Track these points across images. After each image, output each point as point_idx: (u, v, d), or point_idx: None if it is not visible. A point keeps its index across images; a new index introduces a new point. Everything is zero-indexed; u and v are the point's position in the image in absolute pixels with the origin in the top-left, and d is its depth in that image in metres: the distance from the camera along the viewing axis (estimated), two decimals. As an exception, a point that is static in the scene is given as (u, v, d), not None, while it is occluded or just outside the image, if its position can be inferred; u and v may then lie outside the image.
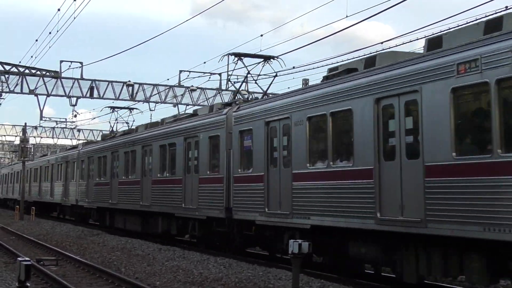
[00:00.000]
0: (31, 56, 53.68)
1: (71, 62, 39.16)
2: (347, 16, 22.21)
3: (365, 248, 14.26)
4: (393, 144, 13.10)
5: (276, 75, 22.79)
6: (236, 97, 26.58)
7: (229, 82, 39.42)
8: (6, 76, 38.35)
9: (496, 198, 10.56)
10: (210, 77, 40.56)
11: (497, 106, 10.64)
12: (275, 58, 22.31)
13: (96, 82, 40.45)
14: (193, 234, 23.22)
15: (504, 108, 10.65)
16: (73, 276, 16.54)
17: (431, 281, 14.51)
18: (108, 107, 39.92)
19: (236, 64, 22.34)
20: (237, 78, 40.93)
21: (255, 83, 23.29)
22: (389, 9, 18.73)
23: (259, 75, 23.44)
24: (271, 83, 22.44)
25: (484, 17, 16.33)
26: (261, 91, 23.74)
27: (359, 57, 19.25)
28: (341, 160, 14.94)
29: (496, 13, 16.69)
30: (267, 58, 22.31)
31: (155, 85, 41.69)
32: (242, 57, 22.42)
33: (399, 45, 15.67)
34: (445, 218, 11.50)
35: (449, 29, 16.39)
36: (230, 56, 22.40)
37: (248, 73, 22.63)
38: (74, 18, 32.60)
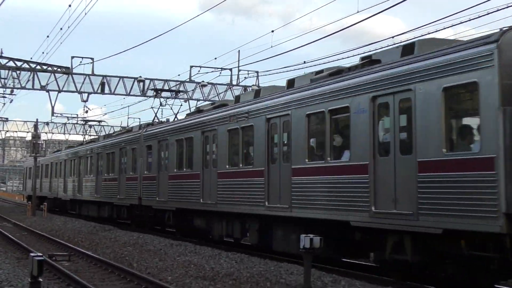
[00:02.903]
0: (43, 52, 53.80)
1: (82, 58, 39.34)
2: (358, 12, 22.15)
3: (199, 221, 23.02)
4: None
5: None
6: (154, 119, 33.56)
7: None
8: (18, 72, 38.52)
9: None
10: (221, 73, 40.63)
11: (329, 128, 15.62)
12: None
13: (107, 77, 40.55)
14: (123, 217, 32.09)
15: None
16: (86, 272, 16.57)
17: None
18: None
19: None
20: (247, 74, 41.13)
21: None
22: (401, 3, 18.61)
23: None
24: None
25: (495, 11, 16.25)
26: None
27: (370, 51, 19.37)
28: (189, 168, 23.13)
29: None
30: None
31: (166, 81, 41.68)
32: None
33: (411, 39, 15.57)
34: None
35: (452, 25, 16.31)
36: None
37: None
38: (85, 14, 32.73)
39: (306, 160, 16.19)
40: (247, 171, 19.12)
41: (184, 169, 23.73)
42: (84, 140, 57.36)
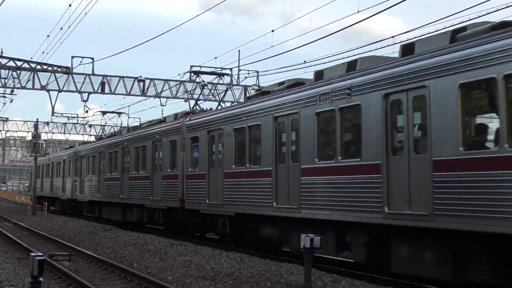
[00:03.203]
0: (43, 52, 53.93)
1: (82, 57, 39.35)
2: (358, 11, 22.15)
3: (268, 230, 18.78)
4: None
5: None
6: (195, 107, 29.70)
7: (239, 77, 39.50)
8: (18, 72, 38.52)
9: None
10: (221, 74, 40.54)
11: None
12: None
13: (107, 77, 40.55)
14: (158, 221, 27.51)
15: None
16: (86, 271, 16.58)
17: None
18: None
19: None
20: (248, 73, 41.14)
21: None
22: (401, 3, 18.60)
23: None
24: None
25: (495, 11, 16.24)
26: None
27: (370, 51, 19.37)
28: (254, 164, 19.08)
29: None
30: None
31: (166, 81, 41.70)
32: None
33: (411, 39, 15.57)
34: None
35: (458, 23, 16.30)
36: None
37: None
38: (85, 13, 32.74)
39: (461, 149, 11.62)
40: (351, 166, 14.69)
41: (248, 165, 19.39)
42: (103, 133, 55.58)
